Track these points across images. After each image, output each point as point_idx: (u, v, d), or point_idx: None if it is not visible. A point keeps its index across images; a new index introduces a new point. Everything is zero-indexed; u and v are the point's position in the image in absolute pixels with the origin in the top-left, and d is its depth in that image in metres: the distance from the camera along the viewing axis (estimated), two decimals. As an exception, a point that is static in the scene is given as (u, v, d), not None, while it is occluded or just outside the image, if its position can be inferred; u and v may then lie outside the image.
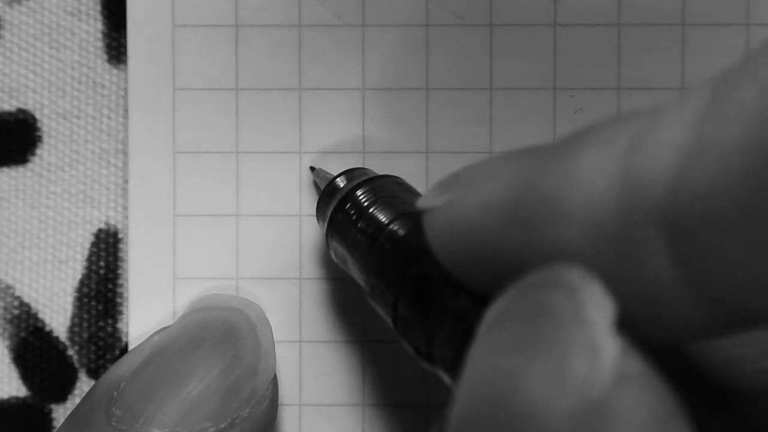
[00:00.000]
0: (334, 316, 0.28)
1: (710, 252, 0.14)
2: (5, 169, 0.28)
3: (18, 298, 0.28)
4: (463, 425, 0.15)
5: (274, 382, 0.26)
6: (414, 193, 0.24)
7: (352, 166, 0.27)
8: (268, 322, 0.27)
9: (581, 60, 0.28)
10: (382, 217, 0.23)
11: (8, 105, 0.28)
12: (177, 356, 0.25)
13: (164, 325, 0.27)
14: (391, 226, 0.23)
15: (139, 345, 0.26)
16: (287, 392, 0.28)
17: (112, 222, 0.28)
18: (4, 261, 0.28)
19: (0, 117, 0.28)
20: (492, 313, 0.16)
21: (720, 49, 0.28)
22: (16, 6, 0.28)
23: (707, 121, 0.14)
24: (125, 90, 0.28)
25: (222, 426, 0.24)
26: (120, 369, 0.25)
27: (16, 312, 0.28)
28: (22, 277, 0.28)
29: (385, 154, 0.28)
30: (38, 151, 0.28)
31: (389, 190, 0.24)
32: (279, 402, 0.27)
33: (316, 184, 0.28)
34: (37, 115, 0.28)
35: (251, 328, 0.26)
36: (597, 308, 0.15)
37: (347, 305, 0.28)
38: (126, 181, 0.28)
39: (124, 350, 0.28)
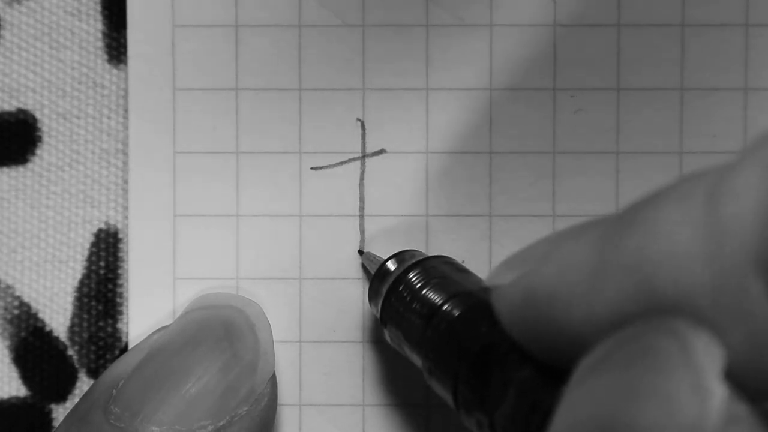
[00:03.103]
0: (334, 316, 0.28)
1: None
2: (5, 169, 0.28)
3: (18, 298, 0.28)
4: None
5: (273, 380, 0.26)
6: (465, 272, 0.25)
7: (400, 250, 0.27)
8: (267, 320, 0.27)
9: (581, 60, 0.28)
10: (436, 298, 0.24)
11: (8, 105, 0.28)
12: (176, 355, 0.25)
13: (164, 325, 0.27)
14: (445, 307, 0.23)
15: (139, 344, 0.26)
16: (287, 392, 0.28)
17: (112, 222, 0.28)
18: (4, 261, 0.28)
19: (0, 117, 0.28)
20: (589, 361, 0.16)
21: (720, 49, 0.28)
22: (16, 6, 0.28)
23: None
24: (125, 90, 0.28)
25: (220, 424, 0.24)
26: (119, 367, 0.25)
27: (16, 312, 0.28)
28: (22, 277, 0.28)
29: (385, 155, 0.28)
30: (38, 151, 0.28)
31: (440, 270, 0.25)
32: (279, 401, 0.27)
33: (365, 267, 0.28)
34: (37, 115, 0.28)
35: (250, 327, 0.26)
36: (705, 353, 0.15)
37: (347, 305, 0.28)
38: (126, 181, 0.28)
39: (124, 350, 0.28)
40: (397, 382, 0.28)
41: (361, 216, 0.28)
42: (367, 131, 0.28)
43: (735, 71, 0.28)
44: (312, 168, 0.28)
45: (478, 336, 0.21)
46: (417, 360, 0.24)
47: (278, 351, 0.28)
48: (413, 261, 0.25)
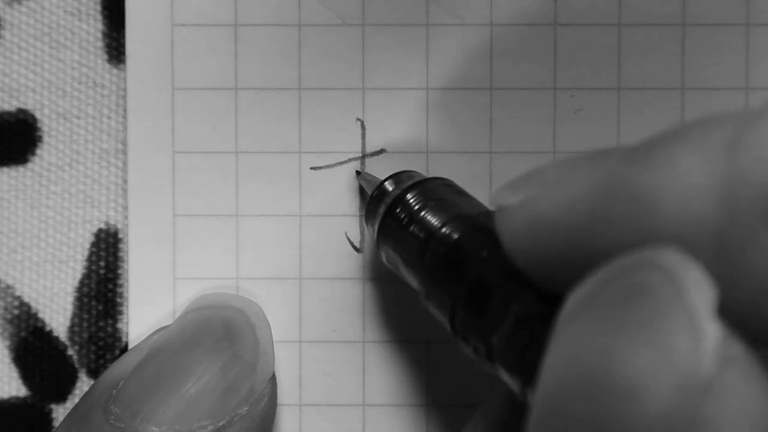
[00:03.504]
0: (334, 316, 0.28)
1: None
2: (5, 169, 0.28)
3: (18, 298, 0.28)
4: (554, 404, 0.15)
5: (273, 380, 0.26)
6: (464, 195, 0.24)
7: (400, 170, 0.26)
8: (267, 320, 0.27)
9: (581, 60, 0.28)
10: (434, 221, 0.23)
11: (8, 105, 0.28)
12: (176, 355, 0.25)
13: (164, 325, 0.27)
14: (444, 230, 0.23)
15: (139, 344, 0.26)
16: (287, 392, 0.28)
17: (112, 222, 0.28)
18: (4, 261, 0.28)
19: (0, 117, 0.28)
20: (579, 294, 0.16)
21: (720, 49, 0.28)
22: (16, 6, 0.28)
23: None
24: (125, 90, 0.28)
25: (220, 424, 0.24)
26: (119, 367, 0.25)
27: (16, 312, 0.28)
28: (22, 277, 0.28)
29: (385, 155, 0.28)
30: (38, 151, 0.28)
31: (439, 192, 0.24)
32: (279, 402, 0.27)
33: (362, 188, 0.27)
34: (37, 115, 0.28)
35: (250, 327, 0.26)
36: (698, 291, 0.15)
37: (347, 305, 0.28)
38: (126, 181, 0.28)
39: (124, 350, 0.28)
40: (397, 382, 0.28)
41: (361, 216, 0.28)
42: (367, 131, 0.28)
43: (736, 71, 0.28)
44: (312, 168, 0.28)
45: (477, 260, 0.21)
46: (413, 282, 0.24)
47: (278, 351, 0.28)
48: (411, 182, 0.25)
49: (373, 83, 0.28)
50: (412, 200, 0.24)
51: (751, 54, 0.28)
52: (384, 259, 0.25)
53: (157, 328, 0.27)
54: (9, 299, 0.28)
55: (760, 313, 0.15)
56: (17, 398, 0.28)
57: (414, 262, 0.23)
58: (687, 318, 0.14)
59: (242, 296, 0.27)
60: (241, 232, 0.28)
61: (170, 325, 0.26)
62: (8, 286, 0.28)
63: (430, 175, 0.26)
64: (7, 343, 0.28)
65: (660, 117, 0.28)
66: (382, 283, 0.28)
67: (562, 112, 0.28)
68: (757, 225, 0.15)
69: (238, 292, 0.28)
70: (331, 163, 0.28)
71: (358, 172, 0.28)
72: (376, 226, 0.25)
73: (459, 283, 0.21)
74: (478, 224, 0.22)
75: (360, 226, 0.28)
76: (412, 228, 0.24)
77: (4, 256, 0.28)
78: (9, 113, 0.28)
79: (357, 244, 0.28)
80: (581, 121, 0.28)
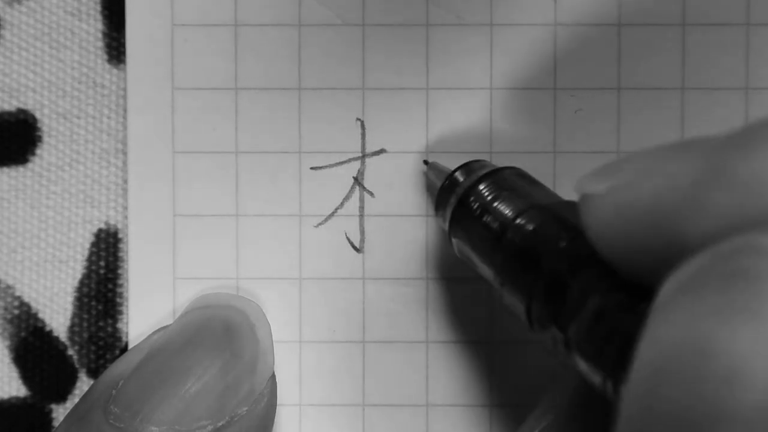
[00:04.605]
0: (335, 316, 0.28)
1: None
2: (5, 169, 0.28)
3: (18, 298, 0.28)
4: (650, 392, 0.15)
5: (273, 380, 0.26)
6: (537, 185, 0.24)
7: (469, 159, 0.26)
8: (267, 320, 0.27)
9: (581, 60, 0.28)
10: (508, 211, 0.23)
11: (8, 105, 0.28)
12: (175, 354, 0.25)
13: (164, 325, 0.27)
14: (518, 220, 0.22)
15: (139, 344, 0.26)
16: (287, 392, 0.28)
17: (112, 222, 0.28)
18: (4, 261, 0.28)
19: (0, 117, 0.28)
20: (677, 280, 0.16)
21: (720, 49, 0.28)
22: (16, 6, 0.28)
23: None
24: (125, 90, 0.28)
25: (220, 424, 0.24)
26: (119, 367, 0.25)
27: (16, 312, 0.28)
28: (22, 277, 0.28)
29: (385, 155, 0.28)
30: (38, 151, 0.28)
31: (512, 182, 0.24)
32: (279, 401, 0.27)
33: (429, 178, 0.27)
34: (37, 115, 0.28)
35: (250, 327, 0.26)
36: None
37: (347, 305, 0.28)
38: (126, 181, 0.28)
39: (124, 350, 0.28)
40: (397, 382, 0.28)
41: (361, 216, 0.28)
42: (367, 131, 0.28)
43: (736, 70, 0.28)
44: (312, 168, 0.28)
45: (555, 251, 0.21)
46: (487, 272, 0.23)
47: (278, 351, 0.28)
48: (484, 171, 0.25)
49: (373, 83, 0.28)
50: (484, 190, 0.24)
51: (751, 54, 0.28)
52: (456, 250, 0.25)
53: (157, 328, 0.27)
54: (9, 299, 0.28)
55: None
56: (17, 398, 0.28)
57: (488, 253, 0.23)
58: None
59: (242, 296, 0.27)
60: (241, 232, 0.28)
61: (170, 325, 0.26)
62: (8, 286, 0.28)
63: (500, 165, 0.26)
64: (7, 343, 0.28)
65: (660, 117, 0.28)
66: (382, 283, 0.28)
67: (562, 112, 0.28)
68: None
69: (238, 292, 0.28)
70: (331, 163, 0.28)
71: (425, 162, 0.27)
72: (448, 217, 0.25)
73: (536, 274, 0.21)
74: (554, 214, 0.22)
75: (360, 225, 0.28)
76: (485, 218, 0.23)
77: (4, 256, 0.28)
78: (9, 113, 0.28)
79: (357, 244, 0.28)
80: (581, 121, 0.28)
